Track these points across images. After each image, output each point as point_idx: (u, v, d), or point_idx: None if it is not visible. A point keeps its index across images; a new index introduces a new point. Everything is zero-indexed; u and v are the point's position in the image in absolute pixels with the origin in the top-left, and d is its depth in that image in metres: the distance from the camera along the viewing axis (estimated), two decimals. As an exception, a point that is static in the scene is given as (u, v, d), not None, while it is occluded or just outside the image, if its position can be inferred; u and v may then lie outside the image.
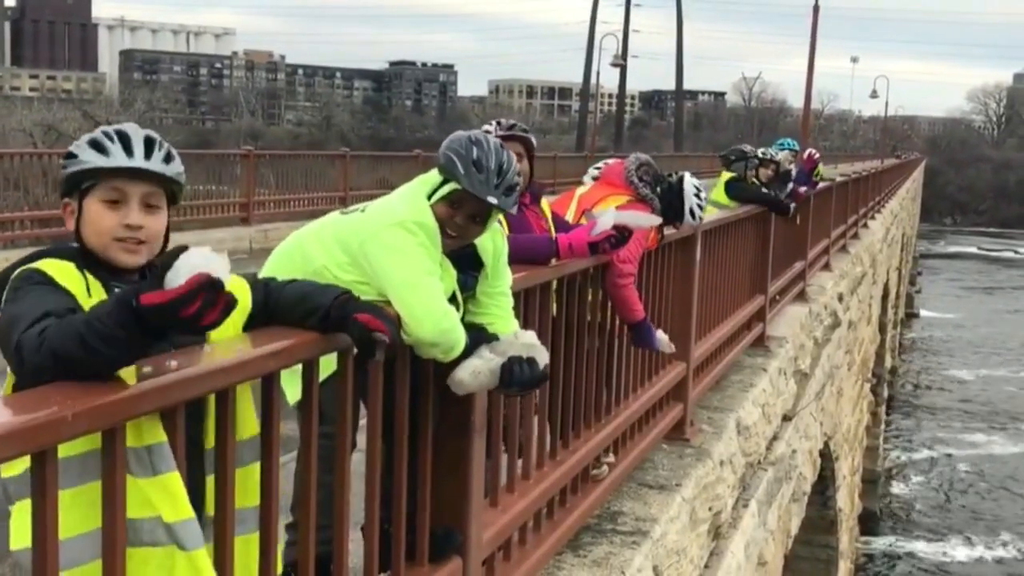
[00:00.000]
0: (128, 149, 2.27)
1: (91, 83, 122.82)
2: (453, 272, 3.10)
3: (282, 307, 2.45)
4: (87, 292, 2.18)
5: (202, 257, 1.90)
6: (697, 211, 5.12)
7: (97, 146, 2.28)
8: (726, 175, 8.96)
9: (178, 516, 2.03)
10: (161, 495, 2.01)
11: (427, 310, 2.85)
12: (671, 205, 5.00)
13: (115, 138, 2.28)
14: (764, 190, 8.95)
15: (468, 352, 2.97)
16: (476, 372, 2.97)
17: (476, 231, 3.15)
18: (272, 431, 2.30)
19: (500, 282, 3.28)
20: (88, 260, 2.25)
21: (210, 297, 1.86)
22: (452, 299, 3.04)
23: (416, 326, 2.84)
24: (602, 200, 4.85)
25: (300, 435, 2.47)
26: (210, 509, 2.20)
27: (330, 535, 2.65)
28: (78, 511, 1.95)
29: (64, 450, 1.81)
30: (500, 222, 3.39)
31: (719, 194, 8.75)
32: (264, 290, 2.49)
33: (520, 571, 3.65)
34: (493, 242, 3.25)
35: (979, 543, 22.26)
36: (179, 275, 1.87)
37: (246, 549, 2.27)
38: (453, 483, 3.20)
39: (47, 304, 2.02)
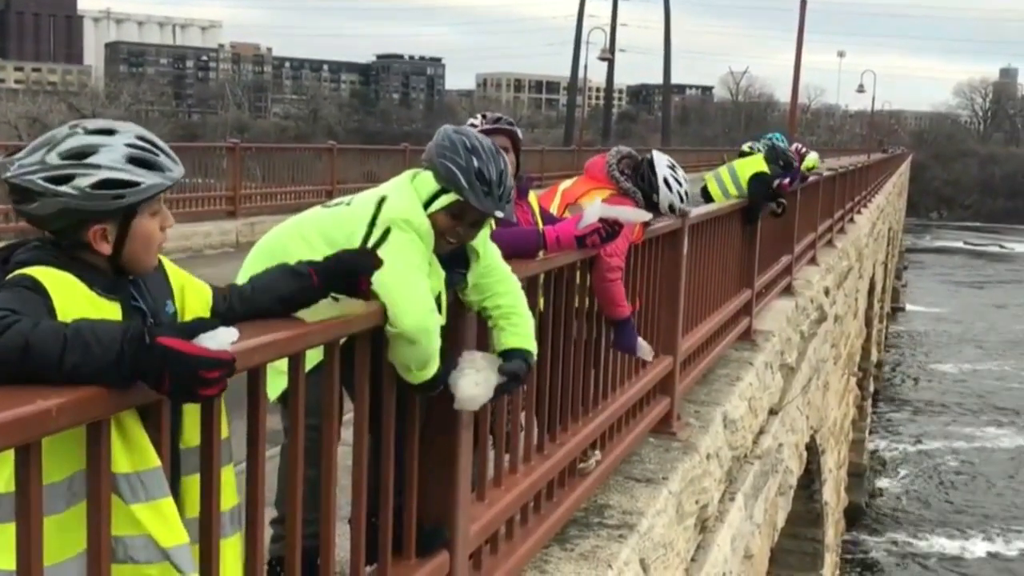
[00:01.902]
0: (171, 158, 2.19)
1: (76, 75, 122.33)
2: (441, 273, 3.07)
3: (256, 297, 2.43)
4: (90, 306, 2.07)
5: (234, 339, 1.92)
6: (677, 203, 5.05)
7: (150, 165, 2.14)
8: (760, 164, 8.74)
9: (173, 541, 1.99)
10: (154, 520, 1.97)
11: (412, 303, 2.82)
12: (649, 197, 4.99)
13: (157, 151, 2.16)
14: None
15: (442, 379, 2.95)
16: (477, 383, 2.98)
17: (474, 235, 3.15)
18: (258, 426, 2.29)
19: (491, 259, 3.27)
20: (81, 266, 2.13)
21: (225, 375, 1.85)
22: (436, 300, 3.01)
23: (399, 317, 2.79)
24: (585, 194, 4.85)
25: (289, 428, 2.46)
26: (187, 511, 2.15)
27: (315, 529, 2.64)
28: (65, 535, 1.90)
29: (48, 475, 1.79)
30: None
31: (744, 173, 8.58)
32: (223, 296, 2.45)
33: (507, 564, 3.65)
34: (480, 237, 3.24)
35: (965, 536, 22.40)
36: (214, 340, 1.86)
37: (222, 553, 2.21)
38: (440, 477, 3.20)
39: (15, 305, 1.91)
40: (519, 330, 3.27)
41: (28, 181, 2.09)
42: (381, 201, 2.60)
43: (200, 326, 1.91)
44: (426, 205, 3.04)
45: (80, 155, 2.10)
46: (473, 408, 3.08)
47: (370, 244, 2.56)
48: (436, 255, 3.05)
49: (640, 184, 4.96)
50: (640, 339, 4.98)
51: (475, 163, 3.05)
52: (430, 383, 2.96)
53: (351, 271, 2.50)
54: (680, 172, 5.08)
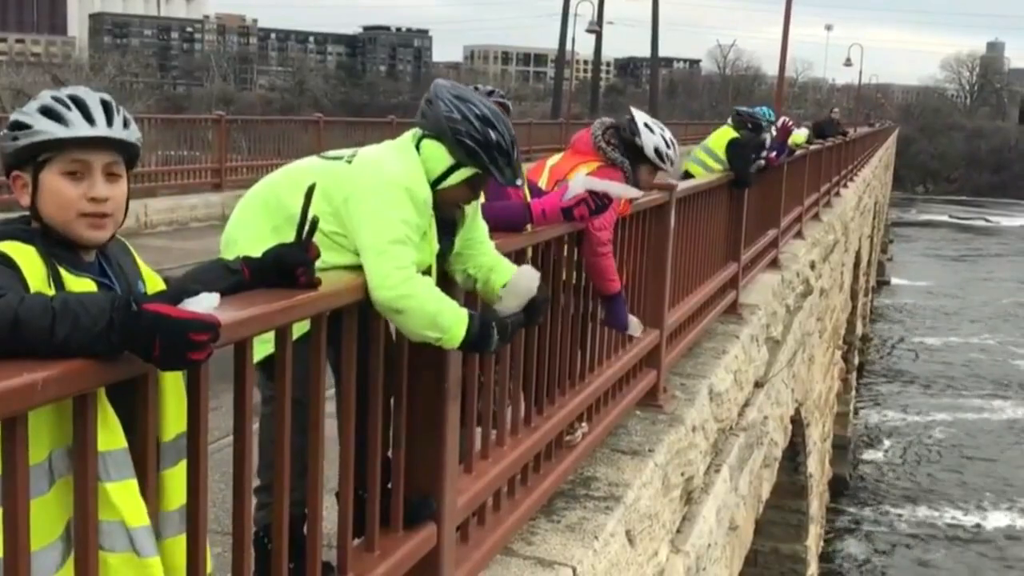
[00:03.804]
0: (88, 116, 2.13)
1: (60, 47, 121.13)
2: (435, 246, 3.05)
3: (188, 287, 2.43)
4: (49, 281, 2.06)
5: (216, 304, 1.93)
6: (663, 147, 5.06)
7: (53, 114, 2.12)
8: (730, 132, 8.89)
9: (138, 522, 1.99)
10: (125, 499, 1.98)
11: (383, 277, 2.81)
12: (636, 168, 5.00)
13: (71, 105, 2.14)
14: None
15: (479, 336, 2.91)
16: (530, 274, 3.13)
17: (477, 197, 3.18)
18: (245, 400, 2.29)
19: (478, 232, 3.28)
20: (49, 241, 2.12)
21: (212, 339, 1.86)
22: (428, 272, 3.01)
23: (372, 290, 2.81)
24: (573, 169, 4.84)
25: (271, 398, 2.46)
26: (165, 505, 2.13)
27: (299, 496, 2.65)
28: (49, 518, 1.90)
29: (31, 455, 1.78)
30: None
31: (718, 145, 8.72)
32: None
33: (494, 536, 3.68)
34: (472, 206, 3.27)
35: (947, 508, 22.59)
36: (199, 305, 1.88)
37: (172, 551, 2.16)
38: (428, 449, 3.21)
39: None
40: (508, 266, 3.29)
41: None
42: (311, 188, 2.58)
43: (183, 292, 1.93)
44: (441, 178, 3.01)
45: (23, 106, 2.19)
46: (534, 289, 3.14)
47: (304, 235, 2.55)
48: (437, 221, 3.04)
49: (627, 153, 4.97)
50: (631, 316, 4.99)
51: (493, 136, 3.02)
52: (479, 340, 2.91)
53: (285, 267, 2.48)
54: (658, 125, 5.11)
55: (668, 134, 5.10)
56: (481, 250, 3.29)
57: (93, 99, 2.17)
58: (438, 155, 3.03)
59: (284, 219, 3.00)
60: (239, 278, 2.46)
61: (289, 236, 2.61)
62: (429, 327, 2.85)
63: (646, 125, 5.01)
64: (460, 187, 3.05)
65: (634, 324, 5.04)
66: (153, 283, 2.36)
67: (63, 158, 2.14)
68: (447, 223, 3.15)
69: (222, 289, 2.35)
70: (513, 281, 3.14)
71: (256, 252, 2.54)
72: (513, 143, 3.07)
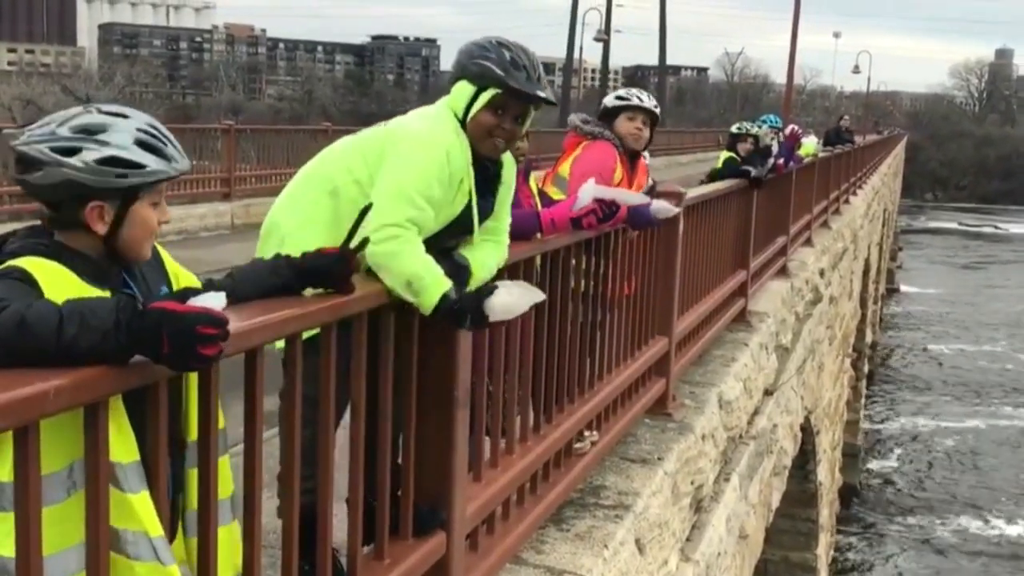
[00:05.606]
0: (179, 151, 2.23)
1: (70, 57, 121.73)
2: (465, 199, 3.12)
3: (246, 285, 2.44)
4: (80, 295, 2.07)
5: (223, 303, 1.94)
6: (621, 91, 5.25)
7: (157, 151, 2.17)
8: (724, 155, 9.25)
9: (157, 532, 2.02)
10: (146, 510, 2.00)
11: (381, 216, 2.86)
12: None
13: (165, 140, 2.20)
14: (744, 163, 8.99)
15: (450, 313, 2.92)
16: (511, 293, 2.97)
17: (521, 131, 3.23)
18: (255, 409, 2.29)
19: (501, 222, 3.35)
20: (72, 256, 2.15)
21: (223, 335, 1.86)
22: (456, 225, 3.11)
23: (371, 221, 2.83)
24: (562, 161, 4.97)
25: (284, 394, 2.48)
26: (192, 504, 2.19)
27: (311, 485, 2.65)
28: (66, 525, 1.92)
29: (48, 464, 1.80)
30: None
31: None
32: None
33: (503, 545, 3.67)
34: (510, 174, 3.35)
35: (957, 516, 22.51)
36: (206, 303, 1.89)
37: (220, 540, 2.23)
38: (437, 457, 3.21)
39: (6, 294, 1.93)
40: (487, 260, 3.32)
41: (36, 150, 2.13)
42: (367, 208, 2.69)
43: (190, 293, 1.96)
44: (467, 112, 3.11)
45: (90, 131, 2.14)
46: (508, 317, 3.03)
47: (352, 245, 2.59)
48: (477, 179, 3.13)
49: (603, 124, 5.12)
50: (653, 202, 4.89)
51: (507, 55, 3.13)
52: (450, 316, 2.91)
53: (324, 280, 2.53)
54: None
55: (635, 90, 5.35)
56: (501, 239, 3.37)
57: (163, 128, 2.23)
58: (462, 89, 3.15)
59: (326, 193, 3.10)
60: (284, 281, 2.49)
61: (331, 210, 2.82)
62: (403, 288, 2.88)
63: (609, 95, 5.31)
64: (485, 113, 3.11)
65: (662, 208, 4.98)
66: (190, 282, 2.40)
67: (154, 191, 2.20)
68: (486, 181, 3.21)
69: (266, 290, 2.42)
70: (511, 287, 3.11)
71: (300, 230, 2.82)
72: (534, 63, 3.16)
